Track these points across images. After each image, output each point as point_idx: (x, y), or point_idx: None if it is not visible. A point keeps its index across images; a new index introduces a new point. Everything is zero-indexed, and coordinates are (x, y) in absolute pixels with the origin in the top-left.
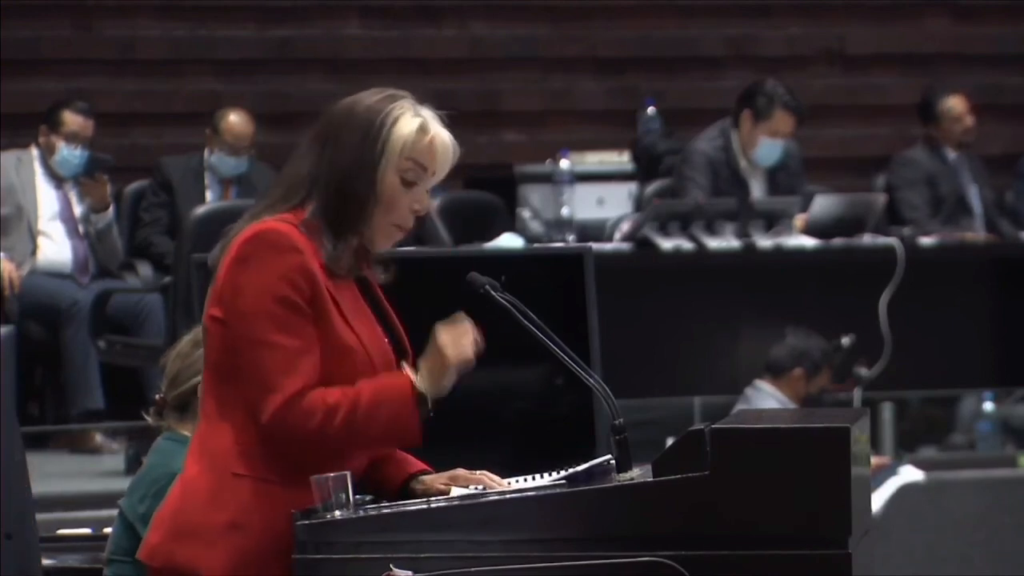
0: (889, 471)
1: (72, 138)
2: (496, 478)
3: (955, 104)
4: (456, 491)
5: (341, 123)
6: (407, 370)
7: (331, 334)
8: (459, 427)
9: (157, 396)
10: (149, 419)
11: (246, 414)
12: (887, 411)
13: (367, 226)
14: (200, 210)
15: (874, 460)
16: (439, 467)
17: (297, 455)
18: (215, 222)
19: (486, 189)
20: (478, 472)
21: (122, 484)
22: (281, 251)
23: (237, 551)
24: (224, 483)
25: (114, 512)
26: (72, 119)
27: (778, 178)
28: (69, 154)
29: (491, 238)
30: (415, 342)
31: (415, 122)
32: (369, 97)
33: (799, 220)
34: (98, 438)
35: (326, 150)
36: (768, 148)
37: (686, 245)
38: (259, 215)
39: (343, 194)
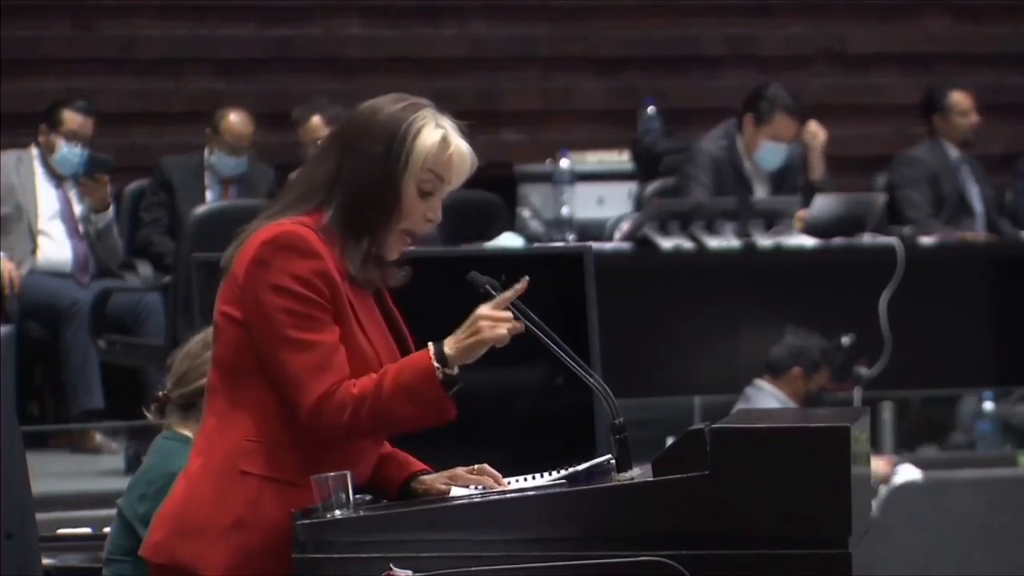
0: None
1: (72, 136)
2: (494, 472)
3: (961, 99)
4: (456, 491)
5: (363, 129)
6: (429, 350)
7: (348, 340)
8: (459, 427)
9: (160, 393)
10: (150, 416)
11: (258, 413)
12: (887, 411)
13: (383, 233)
14: (200, 210)
15: (880, 461)
16: (439, 467)
17: (337, 445)
18: (215, 222)
19: (486, 189)
20: (477, 466)
21: (122, 484)
22: (301, 254)
23: (240, 549)
24: (230, 481)
25: (114, 512)
26: (72, 117)
27: (783, 179)
28: (69, 152)
29: (491, 238)
30: (416, 342)
31: (437, 134)
32: (391, 104)
33: (799, 217)
34: (98, 438)
35: (347, 156)
36: (770, 152)
37: (686, 244)
38: (275, 216)
39: (365, 202)
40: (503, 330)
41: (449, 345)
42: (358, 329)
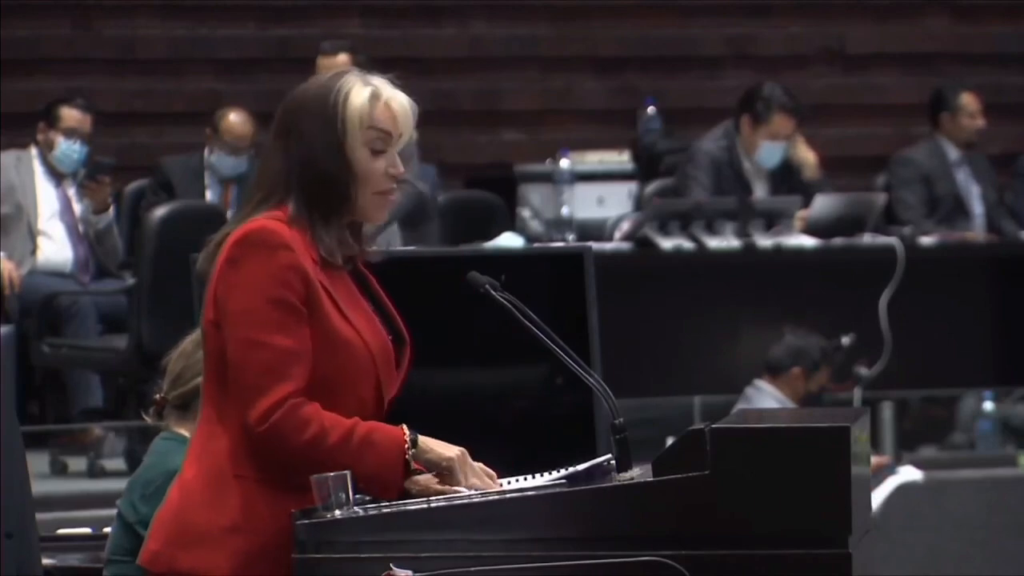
0: (888, 470)
1: (71, 133)
2: (487, 469)
3: (970, 101)
4: (455, 491)
5: (297, 113)
6: (404, 429)
7: (327, 328)
8: (459, 427)
9: (157, 395)
10: (148, 418)
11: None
12: (887, 411)
13: (353, 204)
14: (160, 211)
15: (874, 459)
16: None
17: (278, 460)
18: (175, 222)
19: (486, 189)
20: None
21: (122, 484)
22: (272, 249)
23: (240, 554)
24: (225, 485)
25: (114, 512)
26: (70, 114)
27: (782, 179)
28: (68, 148)
29: (491, 238)
30: (414, 341)
31: (366, 91)
32: (316, 81)
33: (799, 217)
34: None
35: (290, 143)
36: (769, 151)
37: (686, 244)
38: (248, 216)
39: (320, 180)
40: (465, 483)
41: (425, 440)
42: (337, 315)
